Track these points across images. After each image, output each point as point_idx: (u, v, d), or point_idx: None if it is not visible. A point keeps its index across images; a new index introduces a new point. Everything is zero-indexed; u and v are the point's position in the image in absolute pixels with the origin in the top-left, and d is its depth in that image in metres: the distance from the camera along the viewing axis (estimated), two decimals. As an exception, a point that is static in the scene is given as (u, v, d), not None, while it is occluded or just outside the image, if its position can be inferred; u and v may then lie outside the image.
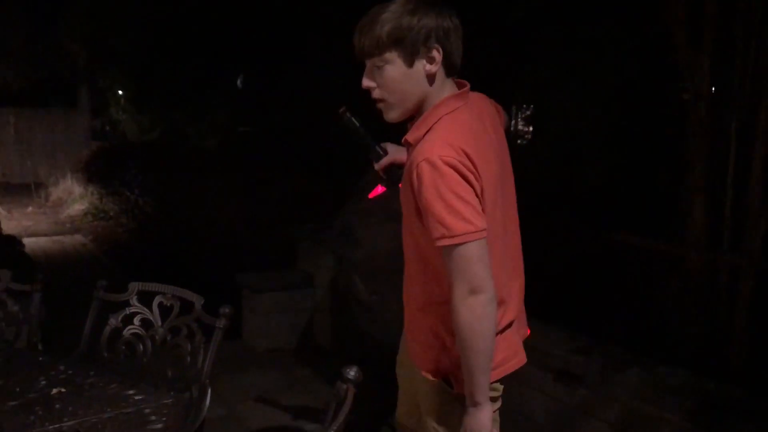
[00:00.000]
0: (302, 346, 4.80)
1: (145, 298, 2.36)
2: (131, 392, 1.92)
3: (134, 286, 2.36)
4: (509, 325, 1.72)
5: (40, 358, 2.19)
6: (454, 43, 1.63)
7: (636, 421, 2.77)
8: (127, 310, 2.35)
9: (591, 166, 5.37)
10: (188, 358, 2.17)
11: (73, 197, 13.46)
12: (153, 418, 1.76)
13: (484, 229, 1.53)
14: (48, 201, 13.76)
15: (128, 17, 11.30)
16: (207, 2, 10.19)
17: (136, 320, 2.32)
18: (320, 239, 4.77)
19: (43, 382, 1.97)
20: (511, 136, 6.49)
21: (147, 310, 2.32)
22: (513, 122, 8.28)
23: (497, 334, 1.62)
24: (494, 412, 1.66)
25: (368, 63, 1.65)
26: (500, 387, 1.72)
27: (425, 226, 1.57)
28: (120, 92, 14.49)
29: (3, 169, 15.36)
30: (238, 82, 11.94)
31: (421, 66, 1.61)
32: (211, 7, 10.18)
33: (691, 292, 3.29)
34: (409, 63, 1.61)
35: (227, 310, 2.17)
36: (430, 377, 1.71)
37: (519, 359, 1.74)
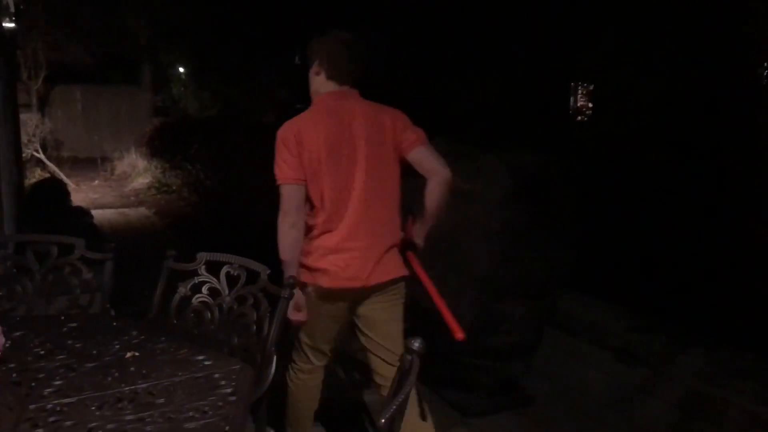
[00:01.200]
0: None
1: (213, 268, 2.43)
2: (200, 357, 1.98)
3: (202, 256, 2.43)
4: (329, 250, 2.44)
5: (114, 324, 2.28)
6: (339, 58, 2.54)
7: (701, 403, 2.72)
8: (196, 279, 2.42)
9: (653, 142, 5.23)
10: (254, 327, 2.23)
11: (137, 171, 13.89)
12: (222, 383, 1.82)
13: (293, 179, 2.42)
14: (113, 174, 14.24)
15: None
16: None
17: (204, 289, 2.39)
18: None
19: (117, 346, 2.05)
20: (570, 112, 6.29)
21: (215, 279, 2.39)
22: (572, 99, 8.10)
23: (313, 247, 2.46)
24: (291, 294, 2.28)
25: None
26: (315, 289, 2.46)
27: None
28: (181, 69, 14.78)
29: (71, 143, 15.91)
30: (296, 58, 12.01)
31: (311, 72, 2.63)
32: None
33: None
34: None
35: (292, 280, 2.22)
36: None
37: (332, 276, 2.43)
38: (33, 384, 1.77)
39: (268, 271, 2.29)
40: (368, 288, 2.47)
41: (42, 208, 7.14)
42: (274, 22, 10.55)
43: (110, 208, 11.44)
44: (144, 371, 1.88)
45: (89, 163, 14.99)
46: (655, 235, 4.54)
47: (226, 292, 2.35)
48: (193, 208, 10.40)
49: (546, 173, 3.39)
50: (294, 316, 2.41)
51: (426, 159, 2.49)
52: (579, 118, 7.88)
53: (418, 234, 2.58)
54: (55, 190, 7.95)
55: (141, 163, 14.03)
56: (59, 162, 14.18)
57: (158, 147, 13.43)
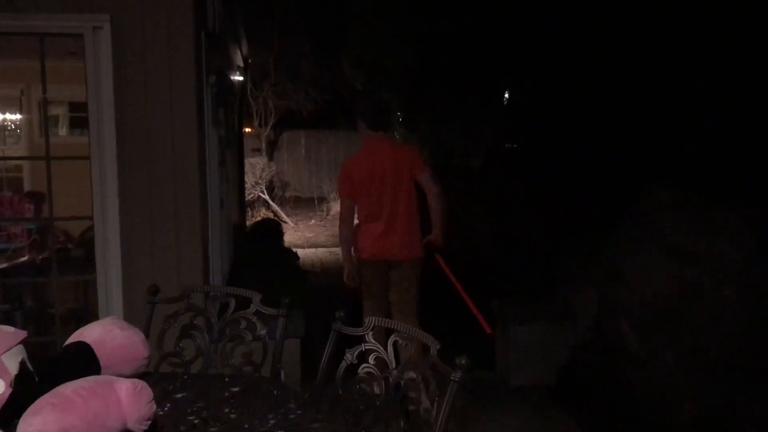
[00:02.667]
0: (561, 385, 4.35)
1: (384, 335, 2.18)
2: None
3: (371, 321, 2.19)
4: (371, 237, 4.04)
5: (276, 392, 2.11)
6: (374, 116, 4.12)
7: None
8: (363, 347, 2.18)
9: None
10: (420, 410, 1.92)
11: (350, 212, 14.42)
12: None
13: (346, 195, 4.08)
14: (328, 215, 14.97)
15: (400, 41, 11.78)
16: (475, 21, 10.17)
17: (371, 358, 2.14)
18: (585, 268, 4.28)
19: (272, 422, 1.87)
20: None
21: (382, 349, 2.13)
22: None
23: (360, 235, 4.11)
24: (350, 270, 4.14)
25: None
26: (363, 260, 4.12)
27: None
28: (393, 113, 15.24)
29: (294, 184, 17.10)
30: (505, 99, 11.74)
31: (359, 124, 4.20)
32: (480, 25, 10.14)
33: None
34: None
35: (464, 362, 1.87)
36: None
37: (372, 252, 4.06)
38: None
39: (438, 346, 1.97)
40: (395, 260, 4.05)
41: (258, 246, 7.57)
42: (483, 62, 10.40)
43: (323, 247, 11.95)
44: (293, 455, 1.66)
45: (309, 203, 15.95)
46: None
47: (393, 365, 2.07)
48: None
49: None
50: (349, 280, 4.16)
51: (426, 182, 4.02)
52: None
53: (435, 235, 4.07)
54: (271, 229, 8.41)
55: (354, 204, 14.55)
56: (282, 201, 15.26)
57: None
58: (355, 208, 4.12)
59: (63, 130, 7.89)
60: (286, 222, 13.88)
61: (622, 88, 7.11)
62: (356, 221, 4.24)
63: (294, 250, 8.92)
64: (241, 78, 8.55)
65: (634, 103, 6.98)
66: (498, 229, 7.64)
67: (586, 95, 7.63)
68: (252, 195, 14.12)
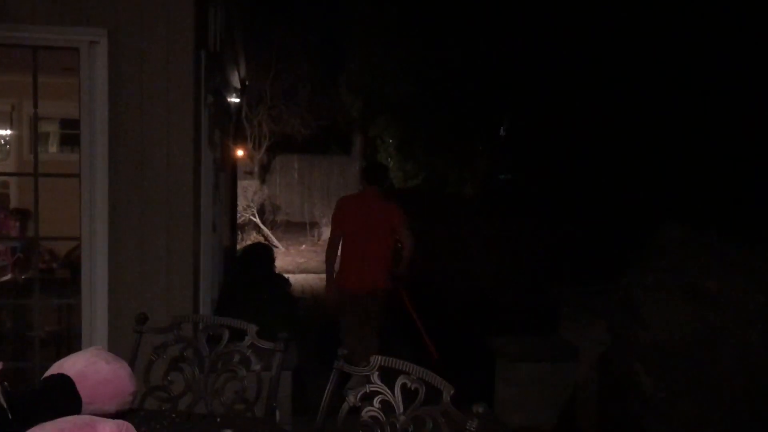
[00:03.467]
0: (561, 427, 4.18)
1: (388, 376, 2.03)
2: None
3: (376, 361, 2.04)
4: (344, 272, 4.90)
5: (271, 435, 1.95)
6: (370, 172, 5.27)
7: None
8: (368, 388, 2.02)
9: None
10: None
11: (341, 238, 14.26)
12: None
13: (337, 226, 4.96)
14: (319, 240, 14.79)
15: (399, 70, 11.75)
16: (474, 51, 10.16)
17: (377, 401, 1.99)
18: (589, 305, 4.15)
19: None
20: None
21: (389, 392, 1.98)
22: None
23: (339, 269, 4.97)
24: (331, 293, 4.98)
25: None
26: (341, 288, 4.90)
27: None
28: (389, 140, 15.18)
29: (286, 208, 16.92)
30: (501, 129, 11.70)
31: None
32: (471, 58, 10.13)
33: None
34: None
35: (481, 410, 1.72)
36: None
37: (347, 284, 4.83)
38: None
39: (452, 391, 1.83)
40: (365, 290, 4.75)
41: (249, 271, 7.37)
42: (480, 93, 10.37)
43: (313, 273, 11.76)
44: None
45: (300, 228, 15.76)
46: None
47: (401, 409, 1.92)
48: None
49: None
50: (329, 302, 5.00)
51: (402, 236, 4.84)
52: None
53: (401, 269, 4.94)
54: (262, 254, 8.23)
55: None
56: (273, 225, 15.07)
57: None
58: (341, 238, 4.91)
59: (54, 147, 7.72)
60: (277, 247, 13.69)
61: (627, 118, 7.05)
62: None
63: (285, 276, 8.73)
64: (237, 100, 8.44)
65: (638, 135, 6.91)
66: (493, 260, 7.50)
67: (589, 121, 7.56)
68: (243, 218, 13.94)
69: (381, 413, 1.96)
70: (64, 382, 1.90)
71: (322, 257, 13.24)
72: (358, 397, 2.03)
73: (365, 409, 2.00)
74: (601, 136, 7.10)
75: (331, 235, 5.04)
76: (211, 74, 4.67)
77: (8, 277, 4.88)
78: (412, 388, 1.94)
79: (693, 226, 2.90)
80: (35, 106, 3.70)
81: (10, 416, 1.67)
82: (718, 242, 2.76)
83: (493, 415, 4.36)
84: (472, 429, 1.69)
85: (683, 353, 2.47)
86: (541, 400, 4.23)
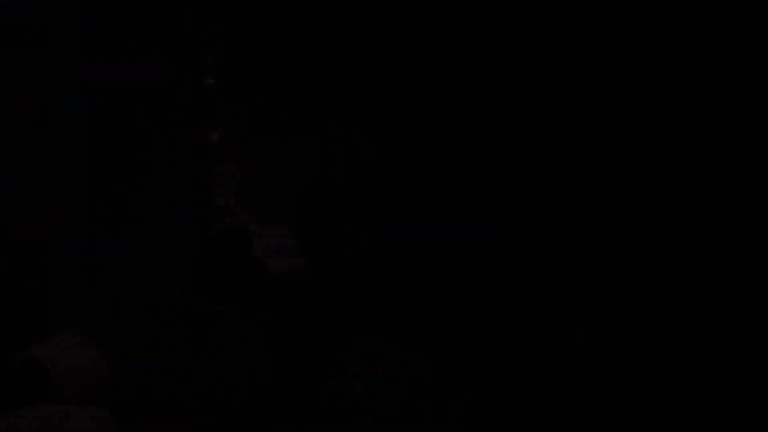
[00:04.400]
0: (540, 409, 4.22)
1: (370, 359, 2.00)
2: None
3: (358, 346, 2.01)
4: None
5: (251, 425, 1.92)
6: None
7: None
8: (349, 372, 2.00)
9: None
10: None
11: (320, 221, 14.24)
12: None
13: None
14: (297, 223, 14.74)
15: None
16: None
17: (358, 386, 1.96)
18: (565, 288, 4.17)
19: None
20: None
21: (371, 375, 1.95)
22: None
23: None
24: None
25: None
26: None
27: None
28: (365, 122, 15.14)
29: (263, 191, 16.82)
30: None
31: None
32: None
33: None
34: None
35: (460, 395, 1.71)
36: None
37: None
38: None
39: (433, 374, 1.81)
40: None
41: (223, 258, 7.30)
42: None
43: (290, 257, 11.72)
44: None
45: (279, 211, 15.67)
46: None
47: (383, 393, 1.90)
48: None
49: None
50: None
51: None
52: None
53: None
54: (238, 240, 8.14)
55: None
56: (251, 209, 14.98)
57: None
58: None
59: (24, 126, 7.56)
60: (253, 231, 13.61)
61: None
62: None
63: (262, 260, 8.68)
64: (213, 81, 8.33)
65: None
66: (462, 239, 7.51)
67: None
68: (219, 201, 13.84)
69: (363, 397, 1.94)
70: (35, 368, 1.85)
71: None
72: (340, 381, 2.00)
73: (346, 393, 1.98)
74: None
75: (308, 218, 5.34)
76: (191, 55, 4.60)
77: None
78: (394, 372, 1.92)
79: (674, 211, 2.92)
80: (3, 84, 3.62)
81: (-22, 403, 1.62)
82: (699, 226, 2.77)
83: (472, 398, 4.38)
84: (453, 412, 1.68)
85: (665, 336, 2.48)
86: (519, 382, 4.25)
